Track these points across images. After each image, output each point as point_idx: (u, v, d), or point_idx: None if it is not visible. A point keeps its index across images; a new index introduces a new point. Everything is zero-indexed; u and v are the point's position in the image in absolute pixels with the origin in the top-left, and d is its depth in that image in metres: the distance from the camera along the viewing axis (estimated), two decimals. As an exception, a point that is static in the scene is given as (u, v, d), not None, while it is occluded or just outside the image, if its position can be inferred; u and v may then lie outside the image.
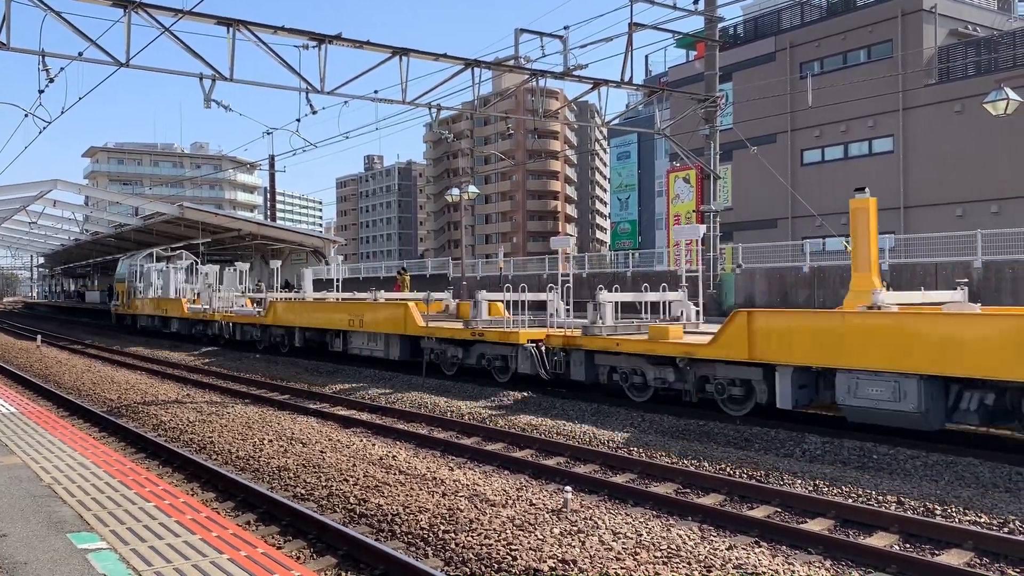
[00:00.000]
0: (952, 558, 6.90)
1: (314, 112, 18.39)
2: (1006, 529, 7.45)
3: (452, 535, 7.29)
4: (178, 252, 40.64)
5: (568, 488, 8.46)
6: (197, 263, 37.76)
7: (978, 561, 6.89)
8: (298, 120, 19.93)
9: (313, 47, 17.34)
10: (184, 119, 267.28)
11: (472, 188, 36.19)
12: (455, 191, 36.07)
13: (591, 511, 7.99)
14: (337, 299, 26.65)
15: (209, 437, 12.32)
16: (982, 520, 7.68)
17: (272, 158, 48.39)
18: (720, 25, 23.67)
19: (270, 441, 11.81)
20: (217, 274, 32.84)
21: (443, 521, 7.67)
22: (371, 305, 21.06)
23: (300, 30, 17.04)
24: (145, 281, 38.07)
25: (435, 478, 9.34)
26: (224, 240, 44.20)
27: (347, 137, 25.54)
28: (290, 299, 27.50)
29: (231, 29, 16.36)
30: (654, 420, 12.79)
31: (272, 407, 15.62)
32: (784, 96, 38.00)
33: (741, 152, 34.71)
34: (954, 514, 7.87)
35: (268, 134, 29.52)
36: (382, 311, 20.24)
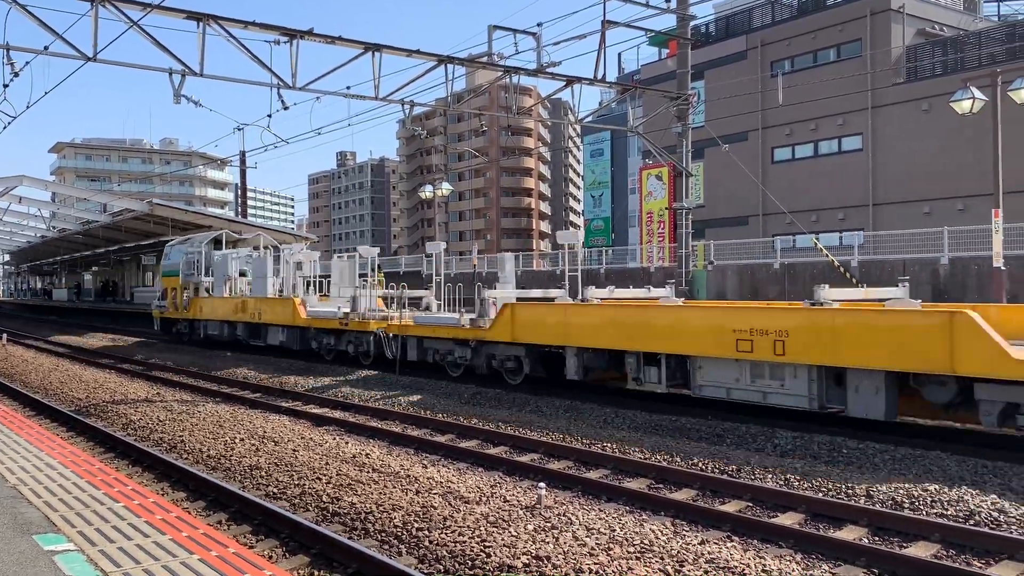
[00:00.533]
0: (920, 550, 7.01)
1: (286, 108, 18.26)
2: (972, 521, 7.57)
3: (426, 533, 7.28)
4: (256, 235, 31.35)
5: (542, 484, 8.48)
6: (278, 249, 27.80)
7: (944, 553, 7.00)
8: (269, 116, 19.84)
9: (285, 42, 17.19)
10: (154, 115, 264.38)
11: (446, 185, 36.16)
12: (428, 188, 36.02)
13: (565, 507, 8.01)
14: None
15: (180, 436, 12.19)
16: (949, 513, 7.80)
17: (243, 154, 47.86)
18: (692, 23, 23.77)
19: (242, 440, 11.70)
20: (314, 264, 24.14)
21: (417, 519, 7.65)
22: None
23: (271, 25, 16.89)
24: (218, 274, 27.86)
25: (409, 476, 9.32)
26: (194, 237, 43.75)
27: (319, 133, 25.43)
28: (610, 300, 16.39)
29: (201, 24, 16.17)
30: (627, 416, 12.84)
31: (244, 405, 15.48)
32: (755, 94, 38.31)
33: (713, 150, 34.95)
34: (922, 507, 7.99)
35: (239, 130, 29.28)
36: None
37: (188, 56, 23.86)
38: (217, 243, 29.71)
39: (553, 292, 18.45)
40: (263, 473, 9.79)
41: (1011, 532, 7.24)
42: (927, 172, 34.37)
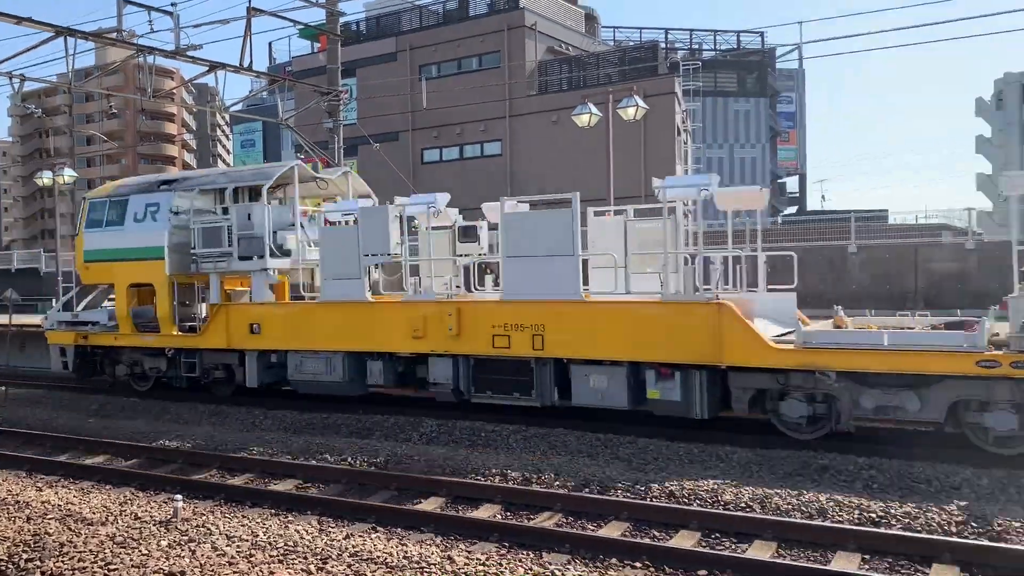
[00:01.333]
0: (544, 520, 7.74)
1: None
2: (587, 490, 8.52)
3: (38, 563, 6.48)
4: (343, 170, 18.08)
5: (179, 496, 7.98)
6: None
7: (564, 520, 7.80)
8: None
9: None
10: None
11: (69, 172, 32.07)
12: (48, 174, 31.78)
13: (205, 517, 7.61)
14: None
15: None
16: (569, 484, 8.69)
17: None
18: (342, 20, 23.76)
19: None
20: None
21: (27, 549, 6.78)
22: None
23: None
24: (338, 252, 12.96)
25: (18, 502, 8.22)
26: None
27: (-101, 104, 21.19)
28: None
29: None
30: (276, 416, 12.54)
31: None
32: (406, 96, 39.41)
33: (367, 147, 35.27)
34: (547, 480, 8.81)
35: None
36: None
37: None
38: (253, 193, 15.17)
39: None
40: None
41: (618, 495, 8.27)
42: (556, 177, 37.90)
